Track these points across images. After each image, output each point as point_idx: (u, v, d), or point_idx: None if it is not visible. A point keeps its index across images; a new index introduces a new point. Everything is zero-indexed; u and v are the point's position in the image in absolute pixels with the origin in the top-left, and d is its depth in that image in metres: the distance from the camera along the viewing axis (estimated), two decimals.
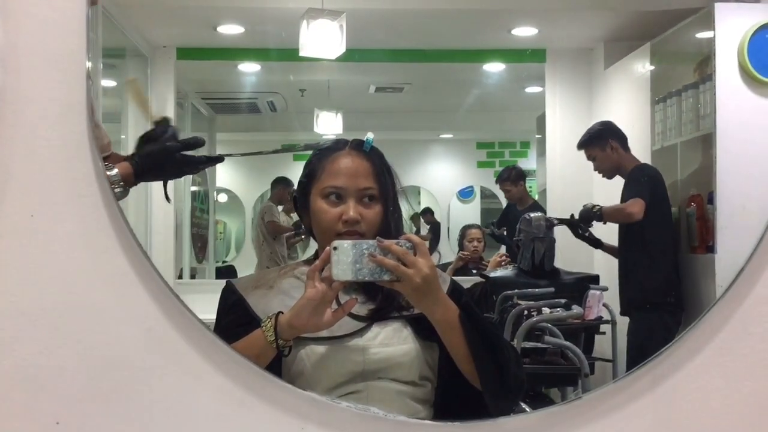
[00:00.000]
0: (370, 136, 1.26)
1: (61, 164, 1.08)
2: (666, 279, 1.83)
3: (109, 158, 1.27)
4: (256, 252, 2.25)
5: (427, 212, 2.42)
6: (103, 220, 1.09)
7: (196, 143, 1.30)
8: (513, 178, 2.25)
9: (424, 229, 2.39)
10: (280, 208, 2.20)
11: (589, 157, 1.92)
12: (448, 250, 2.29)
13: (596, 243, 1.92)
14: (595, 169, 1.92)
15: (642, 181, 1.87)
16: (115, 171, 1.21)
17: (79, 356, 1.09)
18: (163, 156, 1.28)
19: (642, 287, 1.85)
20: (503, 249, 2.23)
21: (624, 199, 1.88)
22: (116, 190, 1.19)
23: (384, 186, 1.25)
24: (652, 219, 1.83)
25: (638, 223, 1.83)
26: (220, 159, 1.31)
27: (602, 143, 1.90)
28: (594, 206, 1.91)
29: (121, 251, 1.09)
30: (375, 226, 1.22)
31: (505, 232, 2.22)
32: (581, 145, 1.92)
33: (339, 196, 1.22)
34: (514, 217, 2.16)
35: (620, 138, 1.89)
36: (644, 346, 1.75)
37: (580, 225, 1.93)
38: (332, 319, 1.13)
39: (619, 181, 1.89)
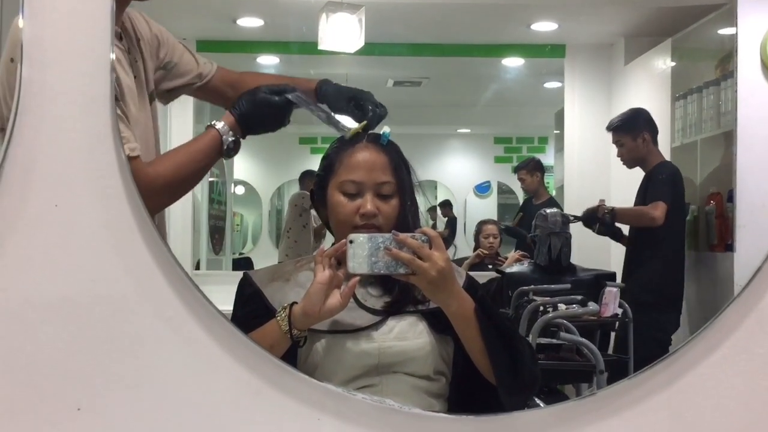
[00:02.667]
0: (386, 129, 1.26)
1: (85, 156, 1.10)
2: (674, 279, 1.82)
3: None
4: (279, 240, 2.26)
5: (446, 205, 2.42)
6: (125, 211, 1.10)
7: (287, 88, 1.26)
8: (530, 167, 2.23)
9: (441, 222, 2.40)
10: None
11: (616, 142, 1.88)
12: (465, 245, 2.29)
13: (617, 235, 1.90)
14: (618, 155, 1.88)
15: (665, 180, 1.84)
16: (222, 123, 1.23)
17: (100, 344, 1.10)
18: (254, 93, 1.25)
19: (646, 285, 1.83)
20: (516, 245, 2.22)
21: (644, 196, 1.85)
22: (229, 141, 1.21)
23: (401, 180, 1.25)
24: (668, 219, 1.82)
25: None
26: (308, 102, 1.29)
27: (635, 132, 1.86)
28: (599, 208, 1.88)
29: (142, 242, 1.10)
30: (392, 219, 1.23)
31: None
32: (613, 128, 1.88)
33: (356, 189, 1.23)
34: (530, 212, 2.16)
35: (653, 130, 1.85)
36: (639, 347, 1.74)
37: (590, 226, 1.91)
38: (343, 300, 1.14)
39: (635, 179, 1.87)
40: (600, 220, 1.89)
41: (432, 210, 2.34)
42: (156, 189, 1.16)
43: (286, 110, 1.26)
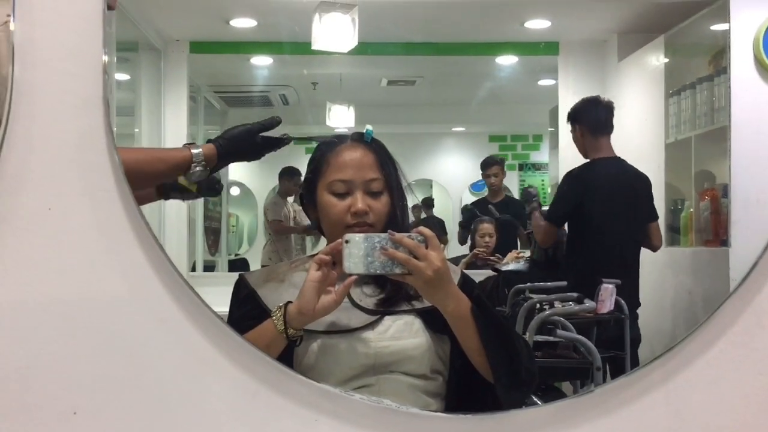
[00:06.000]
0: (369, 127, 1.27)
1: (78, 158, 1.09)
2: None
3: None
4: (265, 243, 2.26)
5: (424, 204, 2.38)
6: (119, 213, 1.09)
7: (273, 122, 1.32)
8: (503, 164, 2.21)
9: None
10: (290, 199, 2.20)
11: None
12: (458, 244, 2.29)
13: None
14: None
15: (559, 198, 1.82)
16: (200, 150, 1.26)
17: (95, 347, 1.10)
18: (244, 136, 1.30)
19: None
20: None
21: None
22: (196, 169, 1.25)
23: (389, 176, 1.25)
24: (584, 226, 1.79)
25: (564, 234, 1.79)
26: (288, 140, 1.34)
27: (572, 124, 1.86)
28: (532, 202, 1.87)
29: (137, 243, 1.10)
30: (383, 216, 1.23)
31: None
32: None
33: (346, 188, 1.23)
34: (485, 212, 2.15)
35: (588, 123, 1.81)
36: None
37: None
38: (338, 297, 1.14)
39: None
40: (528, 213, 1.90)
41: (416, 208, 2.33)
42: None
43: (260, 144, 1.31)
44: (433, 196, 2.39)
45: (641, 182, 1.80)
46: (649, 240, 1.81)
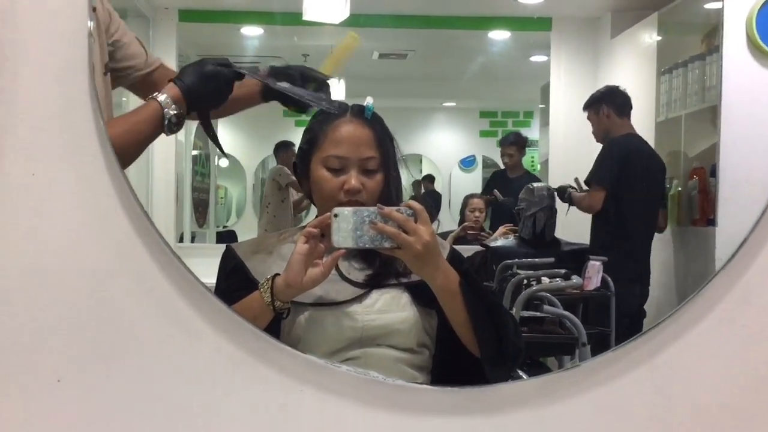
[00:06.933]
0: (369, 101, 1.24)
1: (63, 123, 1.08)
2: (630, 257, 1.83)
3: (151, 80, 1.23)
4: (259, 214, 2.25)
5: (427, 179, 2.40)
6: (105, 180, 1.08)
7: (225, 61, 1.23)
8: (521, 144, 2.23)
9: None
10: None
11: (589, 120, 1.91)
12: (450, 219, 2.29)
13: None
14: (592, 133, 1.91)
15: (599, 160, 1.85)
16: (165, 94, 1.17)
17: (79, 315, 1.09)
18: (195, 66, 1.21)
19: (607, 264, 1.83)
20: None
21: (588, 175, 1.86)
22: (171, 113, 1.17)
23: (386, 154, 1.24)
24: (618, 198, 1.82)
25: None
26: (243, 73, 1.27)
27: (596, 107, 1.88)
28: (567, 189, 1.90)
29: (123, 212, 1.08)
30: (376, 194, 1.22)
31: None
32: (584, 107, 1.91)
33: (341, 165, 1.21)
34: (502, 185, 2.16)
35: (616, 104, 1.86)
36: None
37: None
38: (325, 270, 1.13)
39: None
40: (567, 200, 1.92)
41: (416, 184, 2.33)
42: None
43: (231, 83, 1.22)
44: (422, 171, 2.39)
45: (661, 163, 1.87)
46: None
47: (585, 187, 1.90)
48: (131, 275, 1.10)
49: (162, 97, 1.18)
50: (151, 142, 1.23)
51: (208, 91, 1.21)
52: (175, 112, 1.18)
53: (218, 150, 1.38)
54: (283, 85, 1.28)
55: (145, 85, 1.34)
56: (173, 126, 1.19)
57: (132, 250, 1.09)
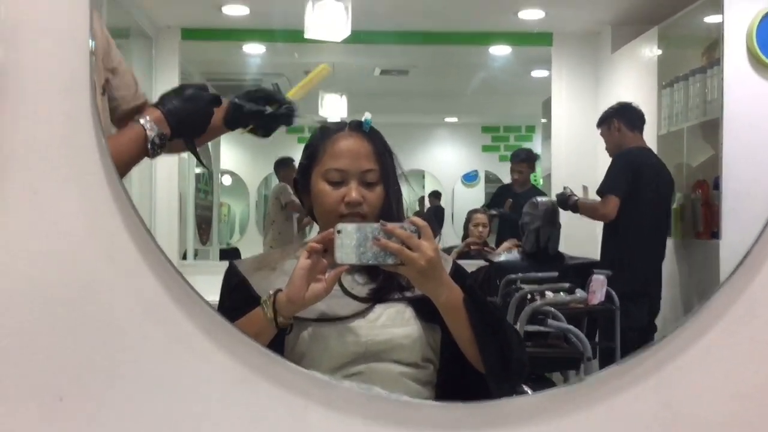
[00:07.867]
0: (368, 116, 1.26)
1: (65, 141, 1.08)
2: (640, 269, 1.82)
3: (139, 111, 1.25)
4: (264, 231, 2.25)
5: (433, 195, 2.40)
6: (107, 198, 1.08)
7: (203, 86, 1.29)
8: (531, 161, 2.23)
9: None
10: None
11: (601, 135, 1.92)
12: (452, 234, 2.29)
13: None
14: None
15: (612, 170, 1.85)
16: (146, 117, 1.20)
17: (82, 334, 1.09)
18: (177, 90, 1.25)
19: (615, 276, 1.82)
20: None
21: (600, 186, 1.86)
22: (154, 135, 1.19)
23: (385, 167, 1.25)
24: (628, 209, 1.82)
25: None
26: (216, 97, 1.30)
27: (608, 122, 1.89)
28: (571, 196, 1.90)
29: (125, 229, 1.09)
30: (377, 207, 1.22)
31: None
32: (597, 124, 1.91)
33: (341, 177, 1.22)
34: (514, 199, 2.16)
35: (626, 118, 1.87)
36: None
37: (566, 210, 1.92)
38: (327, 285, 1.13)
39: None
40: (570, 207, 1.91)
41: (422, 200, 2.33)
42: None
43: (212, 107, 1.26)
44: (425, 187, 2.39)
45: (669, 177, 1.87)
46: None
47: (593, 195, 1.90)
48: (134, 293, 1.10)
49: (143, 120, 1.21)
50: (135, 164, 1.25)
51: (189, 112, 1.25)
52: (157, 132, 1.21)
53: (200, 163, 1.41)
54: (246, 104, 1.33)
55: (129, 119, 1.36)
56: (156, 147, 1.21)
57: (135, 268, 1.09)
